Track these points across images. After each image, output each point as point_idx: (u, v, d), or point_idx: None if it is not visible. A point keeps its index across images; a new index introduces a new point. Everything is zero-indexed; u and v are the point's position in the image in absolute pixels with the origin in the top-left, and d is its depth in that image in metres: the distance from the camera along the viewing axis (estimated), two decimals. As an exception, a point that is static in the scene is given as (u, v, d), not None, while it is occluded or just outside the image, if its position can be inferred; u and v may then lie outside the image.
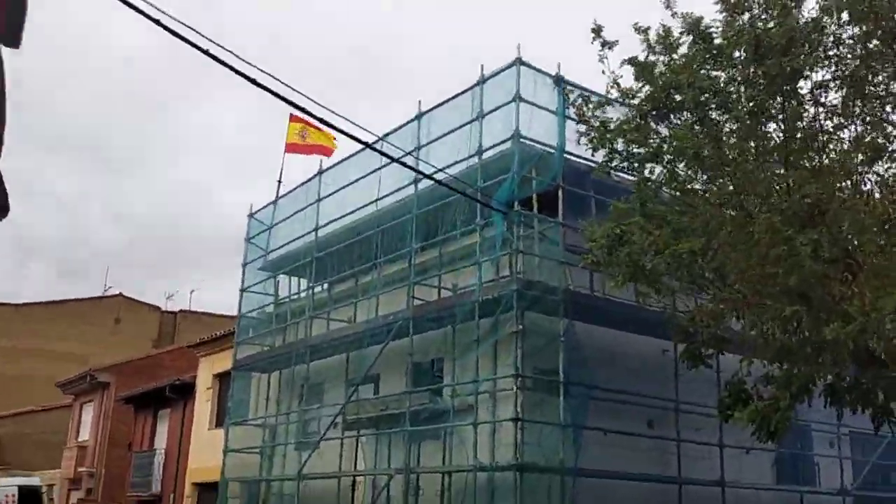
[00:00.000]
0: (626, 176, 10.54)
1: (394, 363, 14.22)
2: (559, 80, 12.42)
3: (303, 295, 18.70)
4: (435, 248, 13.92)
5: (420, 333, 13.33)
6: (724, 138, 9.01)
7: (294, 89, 7.58)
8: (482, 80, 12.73)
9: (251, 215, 19.71)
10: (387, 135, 14.85)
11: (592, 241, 9.35)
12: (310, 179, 17.46)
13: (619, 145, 9.44)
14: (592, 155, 10.07)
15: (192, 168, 56.00)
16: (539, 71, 12.35)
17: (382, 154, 13.13)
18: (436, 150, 13.60)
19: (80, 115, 58.31)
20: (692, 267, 8.93)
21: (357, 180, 15.60)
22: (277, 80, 7.39)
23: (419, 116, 14.06)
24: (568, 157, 12.15)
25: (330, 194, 16.55)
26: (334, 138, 19.40)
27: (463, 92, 13.07)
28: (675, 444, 12.78)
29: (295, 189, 18.13)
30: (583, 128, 10.07)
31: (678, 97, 8.96)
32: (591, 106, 9.94)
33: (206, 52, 6.73)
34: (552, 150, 12.13)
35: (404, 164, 12.92)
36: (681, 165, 9.20)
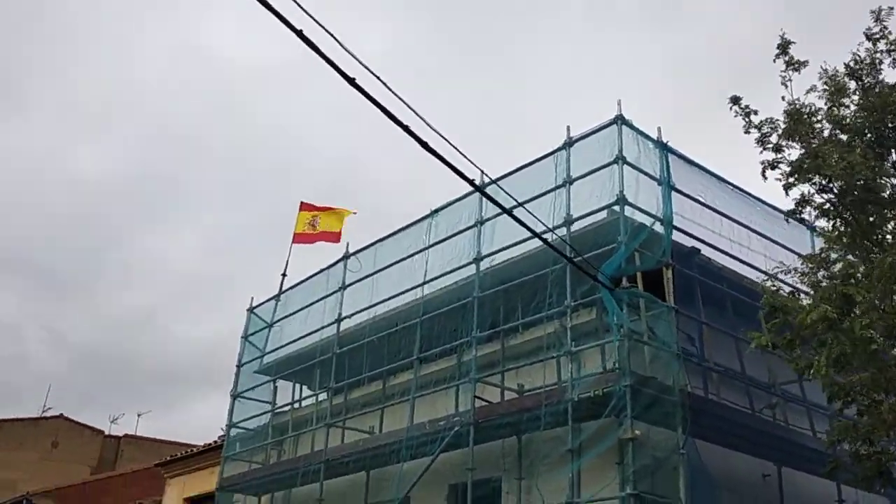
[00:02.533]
0: None
1: (429, 483, 11.44)
2: (663, 146, 10.67)
3: (309, 402, 15.92)
4: (491, 340, 11.59)
5: (484, 443, 10.70)
6: None
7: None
8: (570, 142, 10.91)
9: (251, 310, 17.14)
10: (437, 210, 12.87)
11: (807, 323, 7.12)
12: (331, 265, 15.12)
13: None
14: (787, 194, 8.08)
15: (141, 294, 53.12)
16: (640, 133, 10.60)
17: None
18: (501, 225, 11.54)
19: (28, 237, 55.73)
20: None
21: (394, 263, 13.35)
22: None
23: (480, 187, 12.05)
24: (677, 232, 10.19)
25: (357, 281, 14.20)
26: (347, 216, 17.45)
27: (544, 156, 11.19)
28: None
29: (310, 278, 15.73)
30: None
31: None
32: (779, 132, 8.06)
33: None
34: (656, 221, 10.15)
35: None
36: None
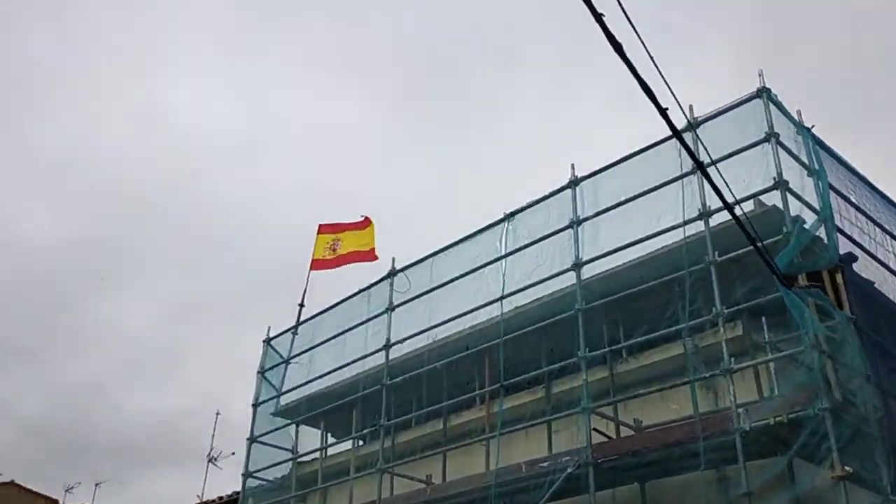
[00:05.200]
0: None
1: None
2: (809, 131, 8.91)
3: (340, 447, 13.60)
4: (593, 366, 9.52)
5: (598, 490, 8.55)
6: None
7: None
8: (695, 123, 9.08)
9: (268, 341, 14.85)
10: (514, 213, 10.90)
11: None
12: (371, 286, 12.98)
13: None
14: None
15: (91, 363, 49.52)
16: (786, 113, 8.83)
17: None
18: (612, 219, 9.63)
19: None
20: None
21: (459, 277, 11.28)
22: None
23: (574, 182, 10.16)
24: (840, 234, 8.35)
25: (407, 301, 12.07)
26: (373, 234, 15.47)
27: (659, 142, 9.33)
28: None
29: (342, 302, 13.55)
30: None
31: None
32: None
33: None
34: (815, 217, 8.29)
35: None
36: None
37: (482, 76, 46.72)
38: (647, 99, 4.82)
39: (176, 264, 46.93)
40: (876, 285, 9.03)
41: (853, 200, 9.18)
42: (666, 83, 5.03)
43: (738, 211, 8.43)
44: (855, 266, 8.79)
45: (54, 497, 38.57)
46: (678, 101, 5.19)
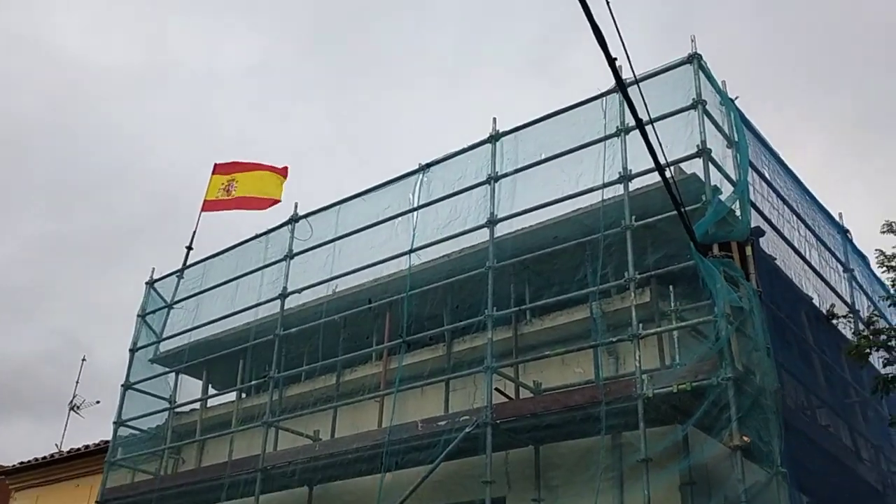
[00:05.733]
0: None
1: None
2: (732, 101, 8.85)
3: (222, 399, 12.88)
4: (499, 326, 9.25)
5: (501, 450, 8.31)
6: None
7: None
8: (626, 84, 8.82)
9: (151, 283, 13.86)
10: (429, 164, 10.45)
11: None
12: (269, 231, 12.25)
13: None
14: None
15: None
16: (713, 82, 8.72)
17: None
18: (530, 177, 9.33)
19: None
20: None
21: (367, 227, 10.75)
22: None
23: (495, 137, 9.80)
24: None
25: (308, 249, 11.45)
26: (283, 181, 14.67)
27: (588, 100, 9.07)
28: None
29: (238, 246, 12.76)
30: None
31: None
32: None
33: None
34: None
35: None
36: None
37: (392, 31, 45.54)
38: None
39: (47, 201, 43.78)
40: (777, 261, 9.14)
41: (766, 176, 9.23)
42: (619, 35, 4.69)
43: (658, 177, 8.32)
44: (761, 241, 8.85)
45: None
46: (628, 55, 4.90)
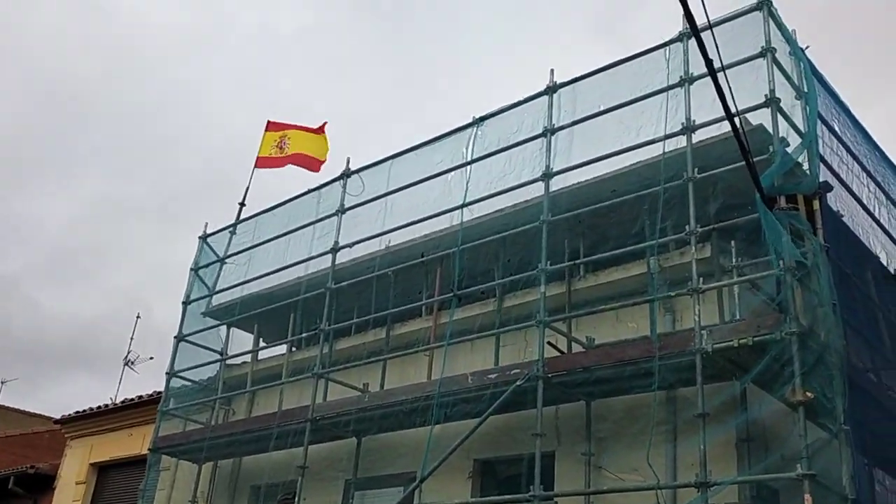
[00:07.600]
0: None
1: (441, 457, 8.85)
2: (802, 51, 8.49)
3: (273, 352, 13.03)
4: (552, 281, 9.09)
5: (551, 405, 8.22)
6: None
7: None
8: (686, 34, 8.53)
9: (204, 238, 14.03)
10: (483, 118, 10.29)
11: None
12: (320, 187, 12.27)
13: None
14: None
15: (7, 260, 47.16)
16: (784, 31, 8.37)
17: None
18: (587, 130, 9.12)
19: None
20: None
21: (418, 182, 10.66)
22: None
23: (552, 88, 9.57)
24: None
25: (360, 204, 11.43)
26: (327, 145, 14.68)
27: (651, 49, 8.80)
28: None
29: (289, 201, 12.81)
30: None
31: None
32: None
33: None
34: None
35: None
36: None
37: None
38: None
39: (108, 163, 44.83)
40: (844, 218, 8.80)
41: (835, 129, 8.87)
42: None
43: (724, 128, 8.04)
44: (828, 196, 8.52)
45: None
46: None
